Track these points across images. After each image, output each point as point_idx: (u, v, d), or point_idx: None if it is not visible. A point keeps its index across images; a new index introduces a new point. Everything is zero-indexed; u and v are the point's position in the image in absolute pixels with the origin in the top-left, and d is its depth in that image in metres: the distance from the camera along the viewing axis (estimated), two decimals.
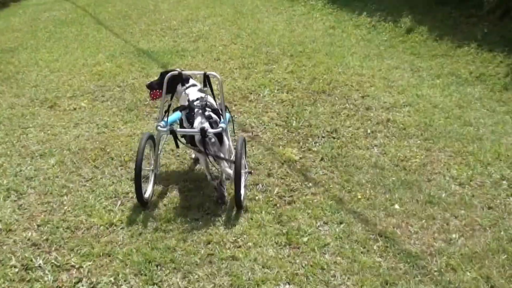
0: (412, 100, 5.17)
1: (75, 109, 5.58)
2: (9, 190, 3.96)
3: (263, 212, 3.48)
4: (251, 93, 5.46)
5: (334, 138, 4.43)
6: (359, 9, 8.72)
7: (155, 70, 6.51)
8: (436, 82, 5.65)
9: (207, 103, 3.83)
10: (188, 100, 3.88)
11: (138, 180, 3.50)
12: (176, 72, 3.91)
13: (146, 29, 8.99)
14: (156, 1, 11.75)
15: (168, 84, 3.88)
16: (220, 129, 3.65)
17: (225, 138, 3.72)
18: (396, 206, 3.49)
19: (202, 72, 3.84)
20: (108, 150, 4.48)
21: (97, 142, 4.67)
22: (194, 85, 4.18)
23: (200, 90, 4.04)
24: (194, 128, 3.63)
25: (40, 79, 6.77)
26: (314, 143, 4.34)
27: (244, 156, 3.70)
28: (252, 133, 4.55)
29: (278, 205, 3.58)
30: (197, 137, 3.62)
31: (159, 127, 3.72)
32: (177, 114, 4.03)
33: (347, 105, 5.11)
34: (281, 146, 4.29)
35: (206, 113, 3.74)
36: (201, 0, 11.15)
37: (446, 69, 6.00)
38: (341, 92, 5.43)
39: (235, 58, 6.72)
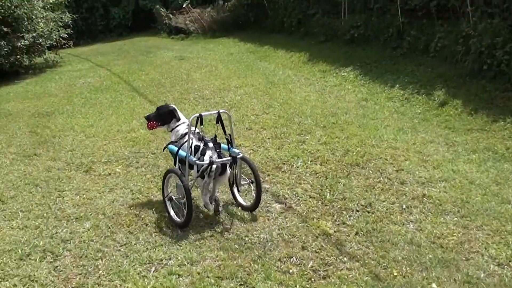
0: (448, 175, 5.07)
1: (110, 174, 5.65)
2: (45, 252, 4.01)
3: (297, 286, 3.40)
4: (284, 164, 5.43)
5: (368, 212, 4.35)
6: (392, 81, 8.72)
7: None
8: (472, 157, 5.54)
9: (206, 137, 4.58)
10: (198, 137, 4.52)
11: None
12: (172, 107, 5.01)
13: (179, 98, 9.10)
14: (188, 70, 11.93)
15: (164, 116, 4.93)
16: (241, 154, 4.46)
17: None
18: (434, 285, 3.38)
19: (216, 111, 4.63)
20: (142, 216, 4.50)
21: (132, 208, 4.71)
22: (184, 122, 4.86)
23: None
24: (204, 160, 4.25)
25: (76, 143, 6.90)
26: (349, 216, 4.27)
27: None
28: (286, 205, 4.49)
29: (312, 279, 3.50)
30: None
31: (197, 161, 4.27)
32: (173, 147, 4.66)
33: (381, 178, 5.03)
34: (315, 219, 4.22)
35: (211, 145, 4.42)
36: (232, 70, 11.28)
37: (482, 144, 5.90)
38: (375, 165, 5.36)
39: (267, 128, 6.72)
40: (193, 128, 4.58)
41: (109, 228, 4.35)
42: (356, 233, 4.03)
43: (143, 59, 14.85)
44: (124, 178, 5.48)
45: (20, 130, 8.03)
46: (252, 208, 4.43)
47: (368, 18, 11.57)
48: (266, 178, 5.08)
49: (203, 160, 4.28)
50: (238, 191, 4.65)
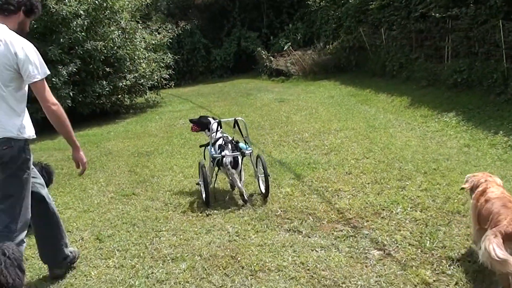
0: None
1: (207, 215, 5.71)
2: None
3: None
4: (384, 210, 5.37)
5: (469, 262, 4.23)
6: (495, 128, 8.50)
7: (287, 180, 6.61)
8: None
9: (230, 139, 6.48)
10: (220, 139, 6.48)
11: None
12: (208, 120, 6.83)
13: (278, 140, 9.22)
14: (288, 112, 12.06)
15: (202, 124, 6.85)
16: (251, 150, 6.45)
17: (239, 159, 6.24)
18: None
19: (233, 118, 6.84)
20: (238, 258, 4.50)
21: (228, 250, 4.71)
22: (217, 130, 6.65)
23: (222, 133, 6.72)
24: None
25: (174, 184, 7.06)
26: (449, 265, 4.16)
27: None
28: (384, 251, 4.45)
29: None
30: (230, 159, 6.07)
31: (213, 154, 6.21)
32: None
33: None
34: (414, 267, 4.15)
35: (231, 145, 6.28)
36: (333, 113, 11.32)
37: None
38: None
39: (367, 172, 6.68)
40: (225, 134, 6.68)
41: (205, 269, 4.38)
42: (456, 283, 3.92)
43: (243, 100, 15.12)
44: (221, 220, 5.53)
45: (120, 169, 8.36)
46: (265, 195, 5.98)
47: (471, 63, 11.37)
48: (365, 224, 5.04)
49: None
50: (259, 180, 6.34)
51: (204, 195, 6.03)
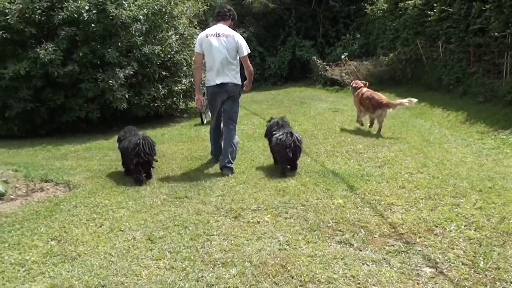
0: None
1: (258, 222, 5.75)
2: None
3: None
4: (437, 227, 5.32)
5: None
6: None
7: (339, 192, 6.61)
8: None
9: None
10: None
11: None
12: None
13: (331, 150, 9.22)
14: (342, 123, 12.05)
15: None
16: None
17: None
18: None
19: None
20: (288, 268, 4.52)
21: (278, 258, 4.73)
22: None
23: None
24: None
25: (227, 189, 7.13)
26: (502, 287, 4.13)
27: None
28: (437, 269, 4.41)
29: None
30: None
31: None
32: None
33: None
34: (466, 287, 4.12)
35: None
36: (387, 126, 11.23)
37: None
38: None
39: (421, 187, 6.62)
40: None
41: (255, 276, 4.40)
42: None
43: (297, 109, 15.15)
44: (272, 228, 5.55)
45: (173, 171, 8.51)
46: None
47: None
48: (418, 240, 5.00)
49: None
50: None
51: None
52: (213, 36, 8.07)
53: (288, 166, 7.85)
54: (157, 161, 8.35)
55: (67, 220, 6.15)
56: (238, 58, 8.19)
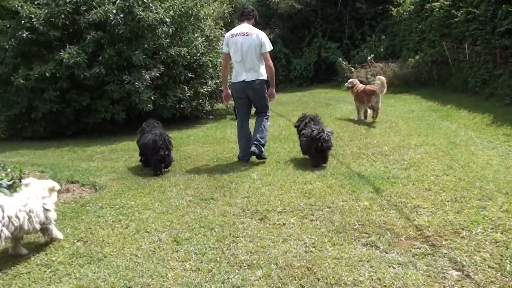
0: None
1: (284, 224, 5.77)
2: None
3: None
4: (463, 229, 5.30)
5: None
6: None
7: (365, 194, 6.61)
8: None
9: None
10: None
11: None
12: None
13: (357, 152, 9.21)
14: (368, 125, 12.00)
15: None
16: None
17: None
18: None
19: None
20: (314, 270, 4.54)
21: (304, 261, 4.75)
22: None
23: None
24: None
25: (252, 191, 7.17)
26: None
27: None
28: (463, 272, 4.40)
29: None
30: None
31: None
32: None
33: None
34: None
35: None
36: (413, 127, 11.21)
37: None
38: None
39: (447, 190, 6.60)
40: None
41: (281, 279, 4.43)
42: None
43: (322, 110, 15.12)
44: (298, 230, 5.57)
45: (199, 173, 8.54)
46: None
47: None
48: (444, 243, 4.99)
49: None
50: None
51: None
52: (239, 35, 8.84)
53: (320, 163, 8.43)
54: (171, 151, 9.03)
55: (93, 221, 6.26)
56: (260, 53, 8.89)
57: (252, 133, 9.26)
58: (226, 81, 9.47)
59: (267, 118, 9.33)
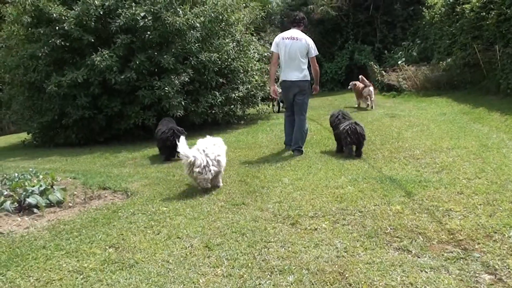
0: None
1: (316, 229, 5.73)
2: None
3: None
4: (496, 233, 5.25)
5: None
6: None
7: (397, 198, 6.58)
8: None
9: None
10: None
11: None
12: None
13: (389, 156, 9.18)
14: (399, 128, 11.96)
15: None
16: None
17: None
18: None
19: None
20: (346, 275, 4.51)
21: (336, 266, 4.72)
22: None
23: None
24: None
25: (284, 195, 7.14)
26: None
27: None
28: (495, 276, 4.37)
29: None
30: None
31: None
32: None
33: None
34: None
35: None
36: (445, 131, 11.14)
37: None
38: None
39: (479, 193, 6.53)
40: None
41: (312, 284, 4.40)
42: None
43: (354, 115, 14.93)
44: (330, 234, 5.54)
45: (230, 178, 8.57)
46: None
47: None
48: (476, 246, 4.95)
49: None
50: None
51: None
52: (288, 39, 9.97)
53: (354, 154, 9.52)
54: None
55: (125, 227, 6.31)
56: (307, 58, 10.04)
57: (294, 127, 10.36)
58: (274, 78, 10.72)
59: (305, 121, 10.43)
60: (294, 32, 10.09)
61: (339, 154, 9.76)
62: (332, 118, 10.57)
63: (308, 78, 10.15)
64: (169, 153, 10.83)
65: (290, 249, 5.22)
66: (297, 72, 9.99)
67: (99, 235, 6.05)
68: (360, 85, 18.03)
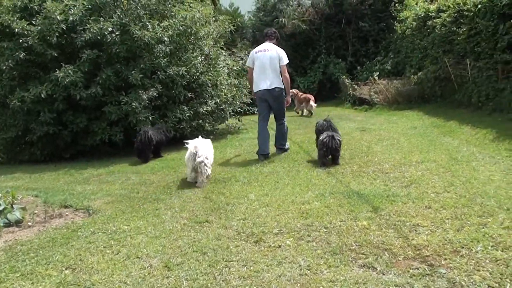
0: None
1: (279, 246, 5.59)
2: None
3: None
4: (463, 248, 5.13)
5: None
6: None
7: (364, 213, 6.44)
8: None
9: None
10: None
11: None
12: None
13: (358, 170, 9.05)
14: (369, 142, 11.88)
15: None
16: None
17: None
18: None
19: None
20: None
21: (298, 284, 4.59)
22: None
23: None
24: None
25: (249, 212, 6.97)
26: None
27: None
28: None
29: None
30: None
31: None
32: None
33: None
34: None
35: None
36: (415, 144, 11.07)
37: None
38: None
39: (447, 207, 6.42)
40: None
41: None
42: None
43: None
44: (293, 252, 5.39)
45: (195, 195, 8.36)
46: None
47: None
48: (443, 262, 4.82)
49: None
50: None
51: None
52: (261, 51, 10.99)
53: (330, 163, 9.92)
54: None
55: (83, 247, 6.09)
56: (279, 68, 10.86)
57: (268, 134, 11.27)
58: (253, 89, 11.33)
59: (284, 125, 11.44)
60: (266, 45, 11.09)
61: (308, 168, 9.63)
62: (317, 126, 11.07)
63: (282, 86, 10.93)
64: (138, 154, 12.76)
65: (252, 268, 5.06)
66: (270, 81, 10.79)
67: (56, 255, 5.83)
68: (300, 93, 21.57)
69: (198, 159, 8.83)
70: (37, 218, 7.64)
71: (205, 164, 8.90)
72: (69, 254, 5.88)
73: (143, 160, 12.68)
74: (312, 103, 20.90)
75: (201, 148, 9.03)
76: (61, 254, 5.89)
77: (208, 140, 9.82)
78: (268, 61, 10.78)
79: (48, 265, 5.57)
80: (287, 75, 10.97)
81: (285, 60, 10.90)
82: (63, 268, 5.45)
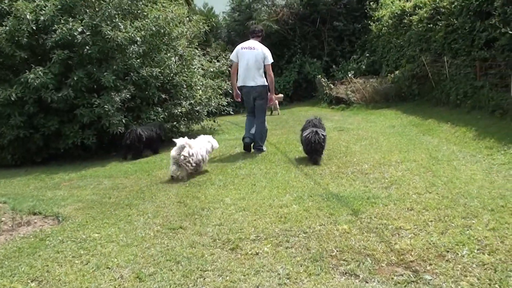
0: None
1: (257, 253, 5.34)
2: None
3: None
4: (448, 252, 4.92)
5: None
6: None
7: (344, 216, 6.21)
8: None
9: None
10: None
11: None
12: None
13: (336, 171, 8.83)
14: (348, 142, 11.70)
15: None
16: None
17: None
18: None
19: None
20: None
21: None
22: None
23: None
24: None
25: (225, 217, 6.69)
26: None
27: None
28: None
29: None
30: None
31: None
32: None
33: None
34: None
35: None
36: (394, 143, 10.92)
37: None
38: None
39: (430, 209, 6.23)
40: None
41: None
42: None
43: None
44: (272, 260, 5.14)
45: (169, 199, 8.04)
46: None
47: None
48: (428, 268, 4.61)
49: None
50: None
51: None
52: (246, 48, 11.13)
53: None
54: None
55: (51, 257, 5.75)
56: (263, 65, 11.09)
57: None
58: (235, 85, 11.53)
59: (264, 124, 11.57)
60: (252, 43, 11.22)
61: (286, 169, 9.39)
62: (305, 124, 10.87)
63: (266, 83, 11.15)
64: (126, 151, 13.26)
65: (228, 278, 4.79)
66: (255, 78, 11.03)
67: (22, 267, 5.50)
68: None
69: (182, 157, 9.23)
70: (4, 226, 7.29)
71: (188, 161, 9.28)
72: (36, 265, 5.55)
73: (133, 157, 13.10)
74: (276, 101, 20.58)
75: (192, 145, 9.51)
76: (27, 265, 5.56)
77: (209, 137, 10.77)
78: (254, 59, 10.96)
79: (13, 277, 5.24)
80: (272, 74, 11.22)
81: (270, 59, 11.13)
82: (29, 281, 5.13)
